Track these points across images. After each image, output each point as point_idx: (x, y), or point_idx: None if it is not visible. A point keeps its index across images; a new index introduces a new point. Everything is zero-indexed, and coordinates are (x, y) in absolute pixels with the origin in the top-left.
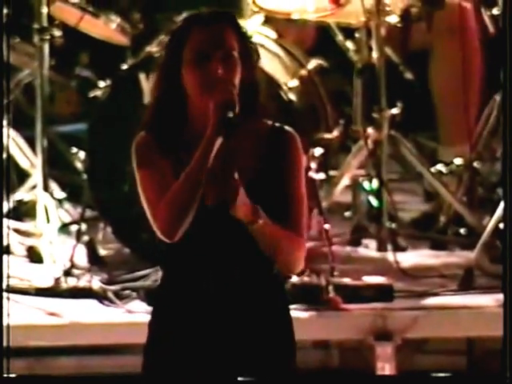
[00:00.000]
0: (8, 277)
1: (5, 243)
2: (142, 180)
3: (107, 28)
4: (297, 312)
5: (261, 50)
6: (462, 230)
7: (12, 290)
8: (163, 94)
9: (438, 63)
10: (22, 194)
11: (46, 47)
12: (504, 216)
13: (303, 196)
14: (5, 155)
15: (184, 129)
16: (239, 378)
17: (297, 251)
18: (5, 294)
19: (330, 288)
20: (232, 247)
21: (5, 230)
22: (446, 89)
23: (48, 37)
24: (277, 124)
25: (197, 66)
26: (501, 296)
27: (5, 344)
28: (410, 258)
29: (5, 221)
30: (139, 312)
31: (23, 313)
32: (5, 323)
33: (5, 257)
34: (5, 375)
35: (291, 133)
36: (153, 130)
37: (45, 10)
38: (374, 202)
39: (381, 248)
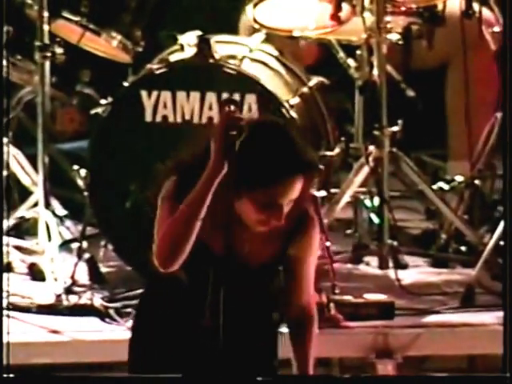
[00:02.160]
0: (9, 294)
1: (5, 261)
2: (162, 212)
3: (108, 45)
4: None
5: (262, 68)
6: (463, 248)
7: (13, 307)
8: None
9: (454, 79)
10: (23, 212)
11: (48, 64)
12: (504, 232)
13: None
14: (5, 173)
15: None
16: None
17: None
18: (5, 312)
19: (332, 305)
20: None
21: (5, 248)
22: (458, 105)
23: (49, 54)
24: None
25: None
26: (502, 313)
27: (5, 362)
28: (411, 275)
29: (5, 238)
30: None
31: (24, 330)
32: (5, 341)
33: (5, 274)
34: (5, 375)
35: (311, 217)
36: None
37: (46, 27)
38: (376, 219)
39: (382, 265)
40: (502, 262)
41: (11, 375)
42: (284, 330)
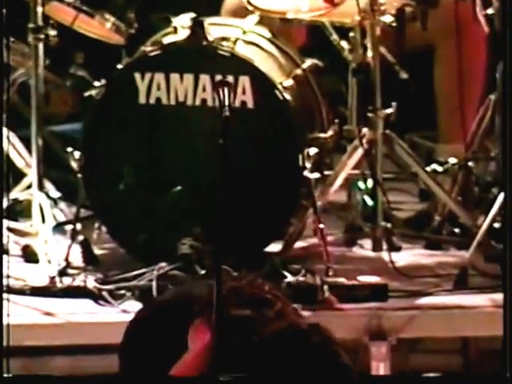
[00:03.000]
0: (5, 277)
1: None
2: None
3: (102, 27)
4: None
5: (256, 50)
6: (457, 230)
7: (7, 289)
8: None
9: (442, 61)
10: (16, 194)
11: (41, 47)
12: (504, 214)
13: None
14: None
15: None
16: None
17: None
18: (4, 295)
19: (325, 288)
20: None
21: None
22: (447, 86)
23: (43, 36)
24: None
25: None
26: (496, 296)
27: (5, 344)
28: (405, 257)
29: None
30: (134, 312)
31: (18, 312)
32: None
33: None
34: (5, 375)
35: None
36: None
37: (40, 9)
38: (369, 201)
39: (376, 247)
40: (502, 243)
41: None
42: None
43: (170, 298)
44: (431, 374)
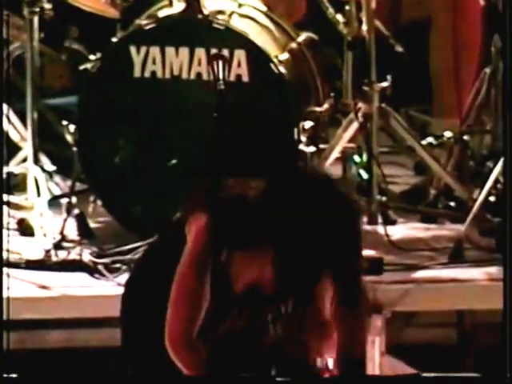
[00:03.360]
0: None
1: None
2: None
3: (97, 1)
4: None
5: (251, 23)
6: (452, 203)
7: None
8: None
9: (437, 35)
10: (12, 167)
11: (36, 20)
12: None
13: None
14: None
15: None
16: None
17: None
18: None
19: None
20: None
21: None
22: (442, 61)
23: (38, 9)
24: None
25: None
26: (491, 269)
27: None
28: (400, 231)
29: None
30: None
31: (13, 286)
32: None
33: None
34: (5, 375)
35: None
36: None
37: None
38: (365, 175)
39: (371, 221)
40: (503, 258)
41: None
42: None
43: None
44: (431, 374)
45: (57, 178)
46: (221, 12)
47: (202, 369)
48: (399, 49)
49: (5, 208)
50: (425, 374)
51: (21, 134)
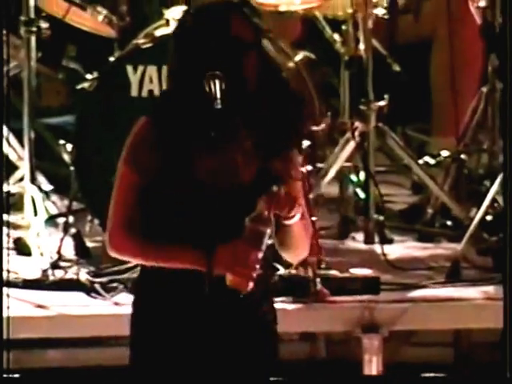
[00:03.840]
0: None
1: None
2: (121, 177)
3: (94, 20)
4: (284, 304)
5: None
6: (449, 222)
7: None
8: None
9: (436, 55)
10: (9, 186)
11: (33, 39)
12: (505, 205)
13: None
14: None
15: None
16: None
17: (309, 239)
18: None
19: (318, 280)
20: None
21: None
22: (442, 79)
23: (35, 29)
24: None
25: None
26: (488, 288)
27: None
28: (397, 250)
29: None
30: (126, 304)
31: (11, 305)
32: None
33: None
34: (5, 375)
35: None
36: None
37: (32, 2)
38: (361, 194)
39: (368, 240)
40: (502, 257)
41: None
42: None
43: None
44: (431, 374)
45: (54, 198)
46: None
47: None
48: (396, 68)
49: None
50: (425, 375)
51: (18, 153)
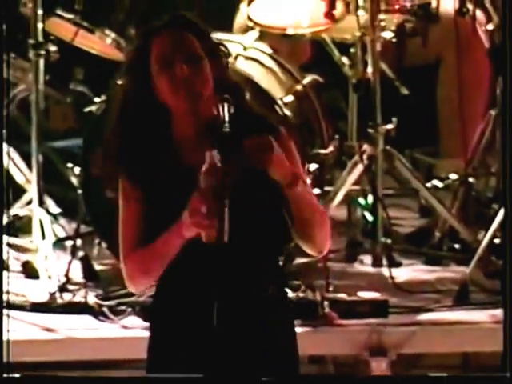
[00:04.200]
0: (6, 293)
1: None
2: (122, 212)
3: (102, 43)
4: None
5: (256, 65)
6: (457, 246)
7: (7, 305)
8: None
9: (444, 77)
10: (17, 210)
11: (41, 62)
12: (504, 231)
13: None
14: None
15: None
16: None
17: (327, 226)
18: (5, 311)
19: (326, 303)
20: (229, 267)
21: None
22: (448, 103)
23: (43, 52)
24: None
25: (162, 74)
26: (496, 311)
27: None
28: (405, 273)
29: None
30: (134, 327)
31: (19, 328)
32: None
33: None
34: (5, 375)
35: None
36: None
37: (40, 25)
38: (369, 217)
39: (376, 263)
40: (502, 260)
41: (11, 375)
42: None
43: None
44: (433, 374)
45: (62, 221)
46: None
47: None
48: (404, 91)
49: (10, 250)
50: (425, 374)
51: (26, 176)
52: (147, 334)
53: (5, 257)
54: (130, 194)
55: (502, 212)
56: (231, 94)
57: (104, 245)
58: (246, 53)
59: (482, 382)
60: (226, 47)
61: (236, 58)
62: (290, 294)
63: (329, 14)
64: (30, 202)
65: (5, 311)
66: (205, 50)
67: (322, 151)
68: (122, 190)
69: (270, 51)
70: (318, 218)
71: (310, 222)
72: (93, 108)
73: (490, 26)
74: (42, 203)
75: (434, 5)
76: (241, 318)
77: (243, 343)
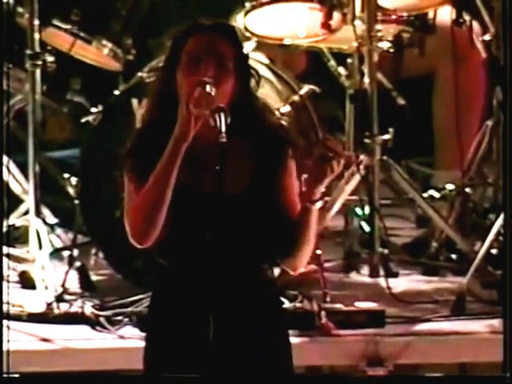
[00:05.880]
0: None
1: None
2: (128, 188)
3: (99, 53)
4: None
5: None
6: (454, 256)
7: (4, 315)
8: (159, 101)
9: (439, 88)
10: (13, 220)
11: (38, 73)
12: (504, 240)
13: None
14: None
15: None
16: None
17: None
18: (5, 322)
19: (322, 314)
20: (222, 268)
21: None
22: (444, 114)
23: (40, 62)
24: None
25: (189, 69)
26: (493, 322)
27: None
28: (402, 283)
29: None
30: (131, 338)
31: (15, 338)
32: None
33: None
34: (5, 375)
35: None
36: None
37: (37, 35)
38: (366, 227)
39: (373, 274)
40: (502, 263)
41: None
42: None
43: None
44: (432, 374)
45: (58, 231)
46: None
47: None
48: (401, 102)
49: (6, 261)
50: (426, 375)
51: (22, 186)
52: (144, 344)
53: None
54: (140, 184)
55: (498, 222)
56: (244, 109)
57: (101, 255)
58: None
59: (482, 383)
60: (257, 73)
61: None
62: (287, 304)
63: (326, 25)
64: (26, 212)
65: (4, 322)
66: (235, 64)
67: None
68: (130, 181)
69: (267, 61)
70: (313, 239)
71: (309, 241)
72: (90, 118)
73: (487, 37)
74: (38, 213)
75: (430, 15)
76: (236, 328)
77: (239, 352)
